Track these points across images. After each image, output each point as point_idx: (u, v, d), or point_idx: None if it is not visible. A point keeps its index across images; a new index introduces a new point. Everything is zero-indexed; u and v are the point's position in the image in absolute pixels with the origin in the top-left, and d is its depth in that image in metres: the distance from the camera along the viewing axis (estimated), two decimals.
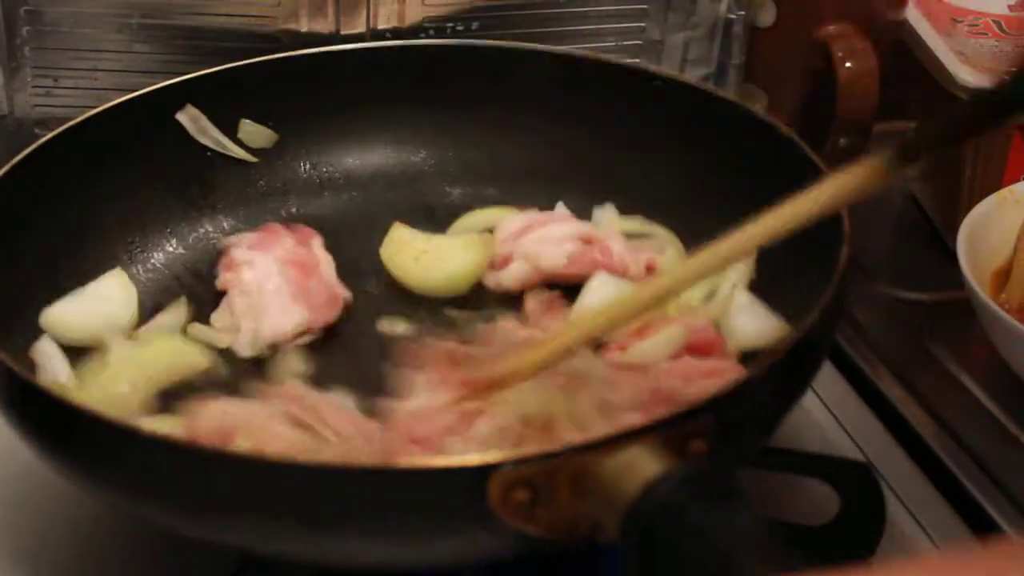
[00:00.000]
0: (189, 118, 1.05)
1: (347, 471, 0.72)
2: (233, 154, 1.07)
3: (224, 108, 1.06)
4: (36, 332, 0.92)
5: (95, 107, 1.00)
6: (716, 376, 0.86)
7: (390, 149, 1.11)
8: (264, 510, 0.73)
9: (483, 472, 0.70)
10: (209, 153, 1.06)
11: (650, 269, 0.99)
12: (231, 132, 1.07)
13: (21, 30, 1.10)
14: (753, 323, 0.92)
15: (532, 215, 1.04)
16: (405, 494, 0.71)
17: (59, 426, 0.77)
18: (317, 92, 1.08)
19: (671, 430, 0.72)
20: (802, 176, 0.93)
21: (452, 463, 0.72)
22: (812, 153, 0.94)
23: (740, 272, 0.96)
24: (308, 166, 1.10)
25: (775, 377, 0.79)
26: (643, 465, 0.69)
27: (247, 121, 1.07)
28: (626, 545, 0.68)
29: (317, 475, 0.72)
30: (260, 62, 1.07)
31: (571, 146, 1.07)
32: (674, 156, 1.04)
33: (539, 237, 1.01)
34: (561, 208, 1.05)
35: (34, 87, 1.13)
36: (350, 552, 0.74)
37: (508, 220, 1.04)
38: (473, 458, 0.71)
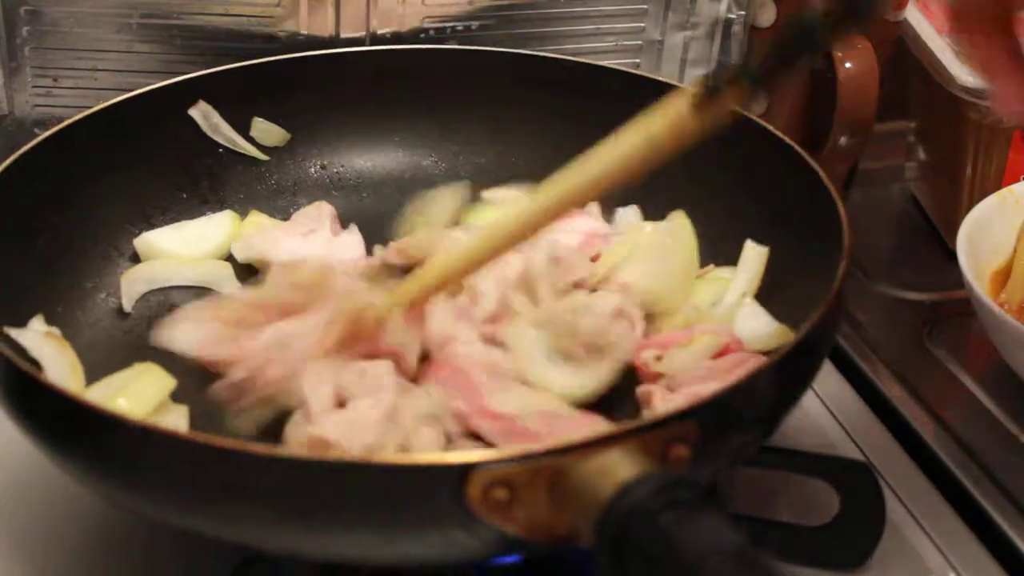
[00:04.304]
0: (201, 114, 1.05)
1: (328, 465, 0.72)
2: (244, 151, 1.08)
3: (237, 105, 1.06)
4: (27, 321, 0.91)
5: (88, 108, 1.00)
6: (739, 368, 0.87)
7: (401, 152, 1.11)
8: (246, 502, 0.73)
9: (463, 470, 0.70)
10: (220, 149, 1.07)
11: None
12: (243, 129, 1.07)
13: (21, 30, 1.10)
14: (757, 329, 0.93)
15: None
16: (385, 489, 0.71)
17: (62, 422, 0.77)
18: (330, 93, 1.09)
19: (651, 435, 0.72)
20: (804, 185, 0.94)
21: (433, 460, 0.72)
22: (812, 160, 0.94)
23: (748, 281, 0.96)
24: (319, 166, 1.10)
25: (765, 385, 0.79)
26: (619, 469, 0.69)
27: (259, 119, 1.08)
28: (599, 548, 0.68)
29: (298, 468, 0.72)
30: (274, 61, 1.07)
31: (579, 153, 1.07)
32: (680, 162, 1.04)
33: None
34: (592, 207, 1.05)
35: (34, 87, 1.13)
36: (330, 545, 0.74)
37: None
38: (453, 456, 0.72)
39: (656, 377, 0.89)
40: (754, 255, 0.97)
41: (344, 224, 1.05)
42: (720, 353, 0.89)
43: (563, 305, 0.92)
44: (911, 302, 1.14)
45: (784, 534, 0.88)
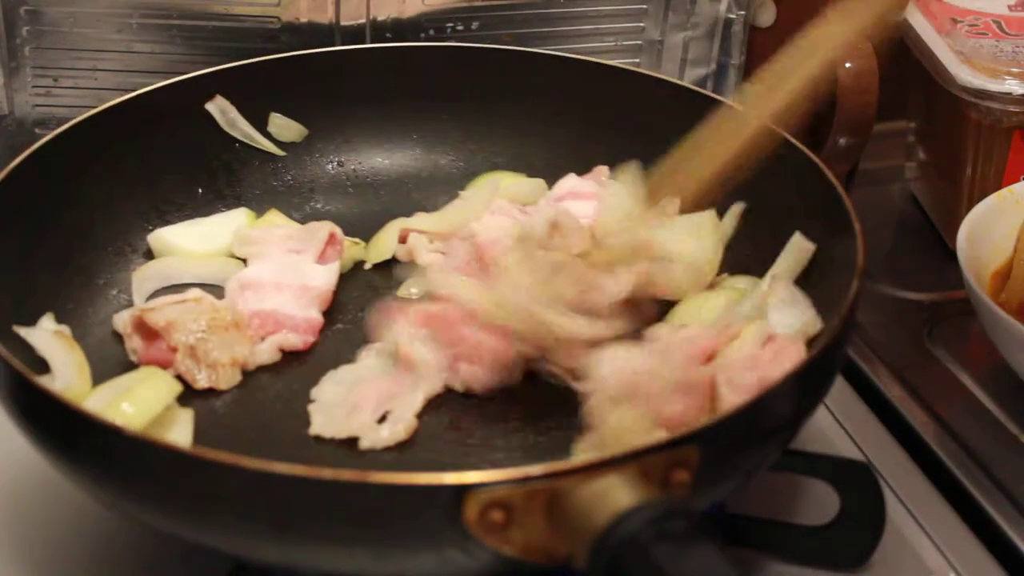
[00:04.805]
0: (218, 109, 1.05)
1: (324, 482, 0.72)
2: (261, 147, 1.07)
3: (255, 101, 1.06)
4: (37, 319, 0.91)
5: (96, 107, 1.00)
6: (779, 357, 0.86)
7: (419, 150, 1.10)
8: (244, 516, 0.73)
9: (460, 491, 0.70)
10: (237, 145, 1.07)
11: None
12: (260, 125, 1.07)
13: (21, 30, 1.10)
14: (792, 316, 0.92)
15: (580, 184, 1.03)
16: (382, 508, 0.71)
17: (60, 428, 0.77)
18: (349, 89, 1.09)
19: (650, 460, 0.71)
20: (804, 176, 0.95)
21: (431, 481, 0.71)
22: (832, 175, 0.94)
23: (784, 267, 0.95)
24: (336, 163, 1.10)
25: (771, 406, 0.78)
26: (617, 495, 0.68)
27: (277, 115, 1.08)
28: (593, 574, 0.67)
29: (293, 484, 0.71)
30: (293, 56, 1.07)
31: (597, 153, 1.07)
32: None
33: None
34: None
35: (34, 87, 1.13)
36: (324, 561, 0.74)
37: (562, 181, 1.04)
38: (451, 476, 0.71)
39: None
40: (800, 249, 0.95)
41: (356, 227, 1.04)
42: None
43: (569, 278, 0.91)
44: (911, 302, 1.14)
45: (784, 534, 0.88)
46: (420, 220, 1.04)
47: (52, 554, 0.88)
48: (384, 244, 1.04)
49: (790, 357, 0.85)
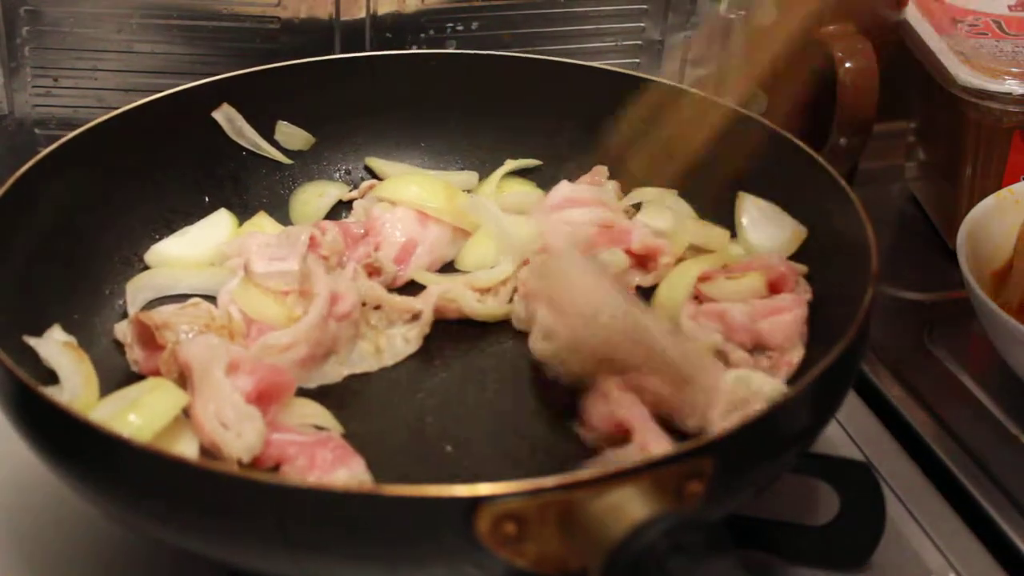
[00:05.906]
0: (225, 117, 1.05)
1: (335, 495, 0.72)
2: (268, 155, 1.07)
3: (262, 109, 1.06)
4: (44, 328, 0.90)
5: (96, 108, 0.99)
6: (782, 312, 0.89)
7: (427, 158, 1.10)
8: (252, 529, 0.73)
9: (472, 503, 0.69)
10: (244, 153, 1.06)
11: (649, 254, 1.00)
12: (267, 133, 1.07)
13: (21, 30, 1.10)
14: (772, 229, 0.96)
15: (575, 190, 1.04)
16: (395, 521, 0.71)
17: (64, 439, 0.77)
18: (355, 97, 1.08)
19: (664, 472, 0.71)
20: (801, 171, 0.95)
21: (442, 493, 0.71)
22: (844, 182, 0.94)
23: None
24: (343, 171, 1.09)
25: (786, 416, 0.78)
26: (631, 507, 0.68)
27: (284, 123, 1.07)
28: None
29: (304, 497, 0.71)
30: (298, 64, 1.06)
31: (603, 157, 1.06)
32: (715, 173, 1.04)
33: (564, 217, 1.01)
34: (610, 185, 1.05)
35: (34, 87, 1.13)
36: (335, 574, 0.74)
37: (554, 191, 1.04)
38: (462, 489, 0.70)
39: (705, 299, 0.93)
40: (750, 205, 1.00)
41: None
42: (776, 289, 0.93)
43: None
44: (911, 302, 1.14)
45: (784, 534, 0.88)
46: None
47: (53, 557, 0.89)
48: None
49: (788, 313, 0.89)
